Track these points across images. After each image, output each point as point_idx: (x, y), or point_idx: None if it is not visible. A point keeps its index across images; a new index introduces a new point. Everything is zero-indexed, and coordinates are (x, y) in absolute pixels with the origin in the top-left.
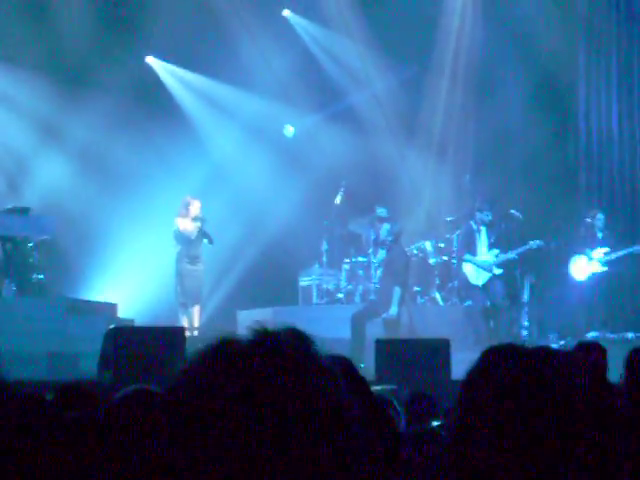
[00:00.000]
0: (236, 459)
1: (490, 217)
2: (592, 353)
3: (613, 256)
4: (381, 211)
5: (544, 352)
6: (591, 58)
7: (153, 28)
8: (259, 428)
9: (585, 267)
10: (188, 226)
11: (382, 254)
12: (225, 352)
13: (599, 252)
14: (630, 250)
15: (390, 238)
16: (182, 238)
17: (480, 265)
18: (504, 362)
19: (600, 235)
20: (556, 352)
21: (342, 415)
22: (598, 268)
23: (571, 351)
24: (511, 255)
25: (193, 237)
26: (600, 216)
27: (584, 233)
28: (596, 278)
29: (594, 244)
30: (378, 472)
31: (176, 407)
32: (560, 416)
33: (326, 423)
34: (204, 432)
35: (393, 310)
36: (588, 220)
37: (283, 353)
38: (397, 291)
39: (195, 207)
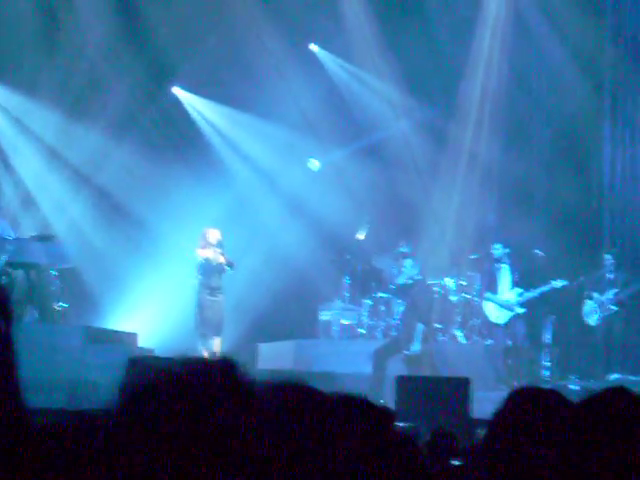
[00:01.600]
0: None
1: (508, 252)
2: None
3: (622, 295)
4: (406, 248)
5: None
6: (617, 105)
7: (179, 59)
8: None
9: (594, 311)
10: (209, 254)
11: (403, 290)
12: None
13: (609, 293)
14: (636, 286)
15: (415, 274)
16: (203, 267)
17: (501, 304)
18: (530, 404)
19: (611, 277)
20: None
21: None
22: (607, 310)
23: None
24: (534, 294)
25: (213, 265)
26: (608, 257)
27: (594, 277)
28: (607, 320)
29: (604, 287)
30: None
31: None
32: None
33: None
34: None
35: (415, 347)
36: (600, 264)
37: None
38: (420, 328)
39: (213, 235)
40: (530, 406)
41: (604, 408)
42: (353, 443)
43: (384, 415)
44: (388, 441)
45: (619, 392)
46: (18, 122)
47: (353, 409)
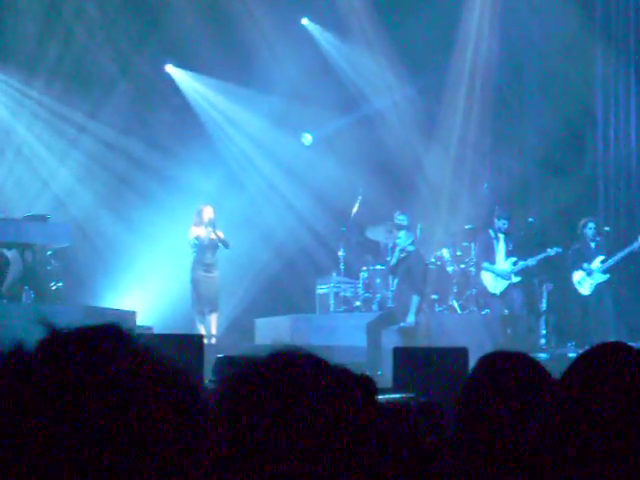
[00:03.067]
0: None
1: (507, 225)
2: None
3: (611, 262)
4: (402, 218)
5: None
6: (608, 65)
7: (171, 36)
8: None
9: (586, 281)
10: (200, 232)
11: (397, 261)
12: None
13: (596, 262)
14: (626, 251)
15: (409, 245)
16: (195, 245)
17: (498, 274)
18: (497, 368)
19: (593, 245)
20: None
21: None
22: (599, 278)
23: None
24: (529, 262)
25: (205, 242)
26: (591, 225)
27: (577, 248)
28: (600, 289)
29: (589, 256)
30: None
31: None
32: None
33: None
34: None
35: (410, 318)
36: (581, 231)
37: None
38: (415, 299)
39: (207, 213)
40: (498, 370)
41: (603, 360)
42: (337, 413)
43: (367, 385)
44: (373, 411)
45: (617, 345)
46: (17, 102)
47: (336, 379)
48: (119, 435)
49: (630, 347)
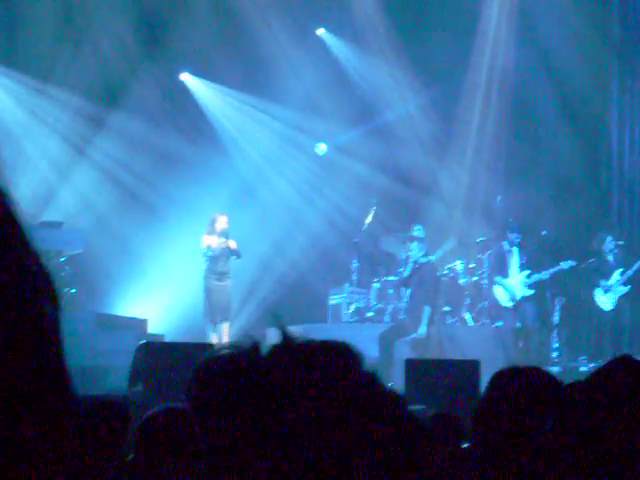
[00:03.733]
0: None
1: (519, 239)
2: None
3: (630, 273)
4: (418, 229)
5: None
6: (624, 80)
7: (186, 45)
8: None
9: (607, 297)
10: (212, 242)
11: (410, 272)
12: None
13: (615, 275)
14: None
15: (421, 257)
16: (207, 254)
17: (511, 288)
18: (512, 383)
19: (612, 258)
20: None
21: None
22: (619, 292)
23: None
24: (542, 275)
25: (218, 252)
26: (609, 238)
27: (596, 263)
28: (619, 301)
29: (609, 269)
30: None
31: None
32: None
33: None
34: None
35: (422, 330)
36: (599, 247)
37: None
38: (427, 310)
39: (221, 222)
40: (513, 385)
41: (611, 377)
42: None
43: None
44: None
45: (624, 360)
46: (31, 109)
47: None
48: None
49: (524, 370)
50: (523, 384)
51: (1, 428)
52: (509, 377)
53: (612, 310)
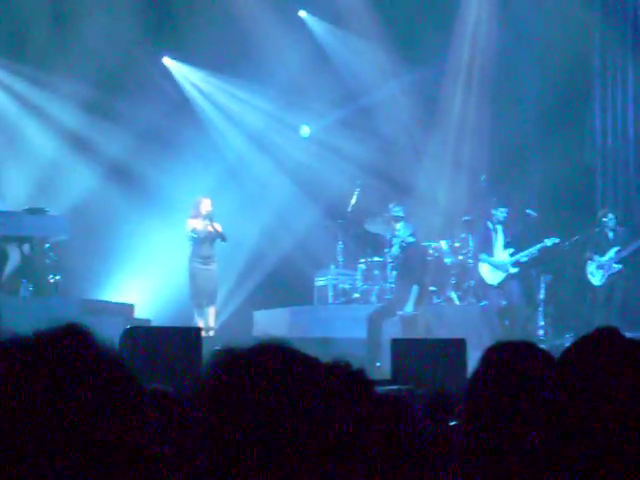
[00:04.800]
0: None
1: (505, 214)
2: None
3: (624, 253)
4: (397, 210)
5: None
6: (606, 57)
7: (168, 28)
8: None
9: (598, 272)
10: (197, 225)
11: (396, 252)
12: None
13: (610, 252)
14: (638, 243)
15: (408, 237)
16: (192, 238)
17: (496, 265)
18: (504, 358)
19: (611, 235)
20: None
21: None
22: (611, 268)
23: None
24: (527, 253)
25: (203, 235)
26: (611, 215)
27: (596, 235)
28: (611, 278)
29: (606, 245)
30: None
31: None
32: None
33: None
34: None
35: (409, 307)
36: (602, 220)
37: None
38: (415, 290)
39: (205, 205)
40: (505, 360)
41: (595, 347)
42: (335, 405)
43: (362, 379)
44: (372, 403)
45: (610, 332)
46: (21, 98)
47: (334, 373)
48: None
49: (516, 344)
50: (515, 359)
51: None
52: (501, 352)
53: (601, 286)
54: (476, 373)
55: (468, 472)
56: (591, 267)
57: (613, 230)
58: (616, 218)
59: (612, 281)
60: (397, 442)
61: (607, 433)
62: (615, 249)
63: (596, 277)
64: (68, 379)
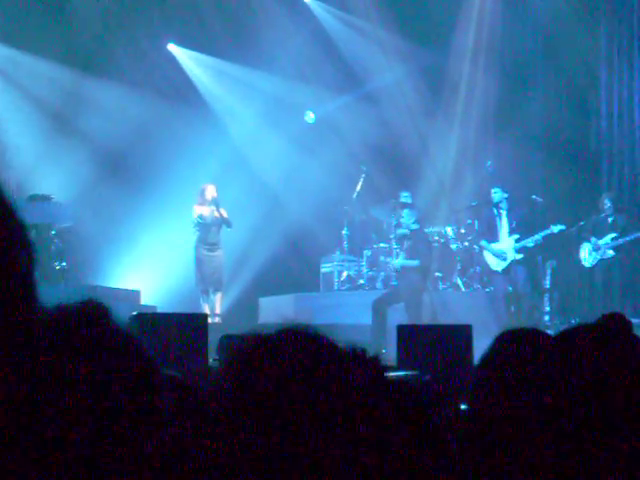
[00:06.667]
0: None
1: (499, 193)
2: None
3: (620, 241)
4: (405, 196)
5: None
6: (613, 40)
7: (172, 14)
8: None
9: (591, 254)
10: (204, 211)
11: (401, 238)
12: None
13: (607, 238)
14: (638, 235)
15: (412, 223)
16: (198, 224)
17: (494, 253)
18: (514, 345)
19: (610, 220)
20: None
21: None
22: (605, 254)
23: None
24: (532, 239)
25: (209, 221)
26: (607, 202)
27: (594, 219)
28: (605, 264)
29: (603, 230)
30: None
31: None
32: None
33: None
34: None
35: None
36: (601, 206)
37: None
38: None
39: (211, 191)
40: (515, 347)
41: (600, 333)
42: (354, 391)
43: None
44: (387, 390)
45: (615, 317)
46: (14, 80)
47: (351, 358)
48: None
49: (526, 331)
50: (525, 345)
51: None
52: (511, 338)
53: (599, 271)
54: (485, 358)
55: (475, 457)
56: (585, 248)
57: (612, 216)
58: (613, 205)
59: (607, 267)
60: (414, 429)
61: (616, 421)
62: (612, 235)
63: (588, 259)
64: (91, 351)
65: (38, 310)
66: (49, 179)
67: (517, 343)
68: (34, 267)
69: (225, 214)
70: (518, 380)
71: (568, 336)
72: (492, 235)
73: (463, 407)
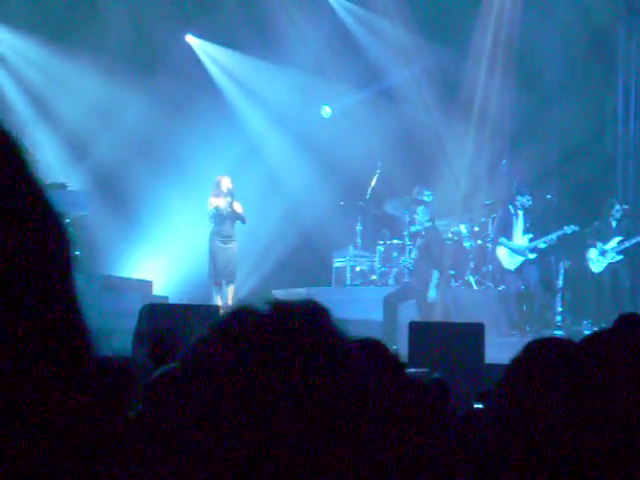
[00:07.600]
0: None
1: (531, 202)
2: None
3: (627, 244)
4: (428, 194)
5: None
6: (630, 43)
7: (191, 6)
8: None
9: (598, 259)
10: (220, 203)
11: (415, 236)
12: (237, 323)
13: (612, 242)
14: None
15: (426, 221)
16: (214, 215)
17: (514, 249)
18: (547, 352)
19: (615, 224)
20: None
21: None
22: (613, 258)
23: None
24: (546, 240)
25: (224, 213)
26: (617, 207)
27: (597, 225)
28: (612, 267)
29: (608, 234)
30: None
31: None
32: (597, 405)
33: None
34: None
35: (432, 293)
36: (607, 211)
37: (297, 326)
38: (435, 274)
39: (226, 183)
40: (546, 354)
41: (617, 335)
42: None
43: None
44: (404, 384)
45: (632, 318)
46: (46, 70)
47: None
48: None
49: (560, 340)
50: (557, 354)
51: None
52: (544, 345)
53: (608, 275)
54: (516, 361)
55: (496, 456)
56: (592, 254)
57: (617, 220)
58: (622, 209)
59: (615, 270)
60: (427, 423)
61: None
62: (618, 238)
63: (596, 264)
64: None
65: (79, 307)
66: (64, 167)
67: (546, 350)
68: (73, 263)
69: (240, 209)
70: (549, 387)
71: (592, 342)
72: (507, 234)
73: (477, 406)
